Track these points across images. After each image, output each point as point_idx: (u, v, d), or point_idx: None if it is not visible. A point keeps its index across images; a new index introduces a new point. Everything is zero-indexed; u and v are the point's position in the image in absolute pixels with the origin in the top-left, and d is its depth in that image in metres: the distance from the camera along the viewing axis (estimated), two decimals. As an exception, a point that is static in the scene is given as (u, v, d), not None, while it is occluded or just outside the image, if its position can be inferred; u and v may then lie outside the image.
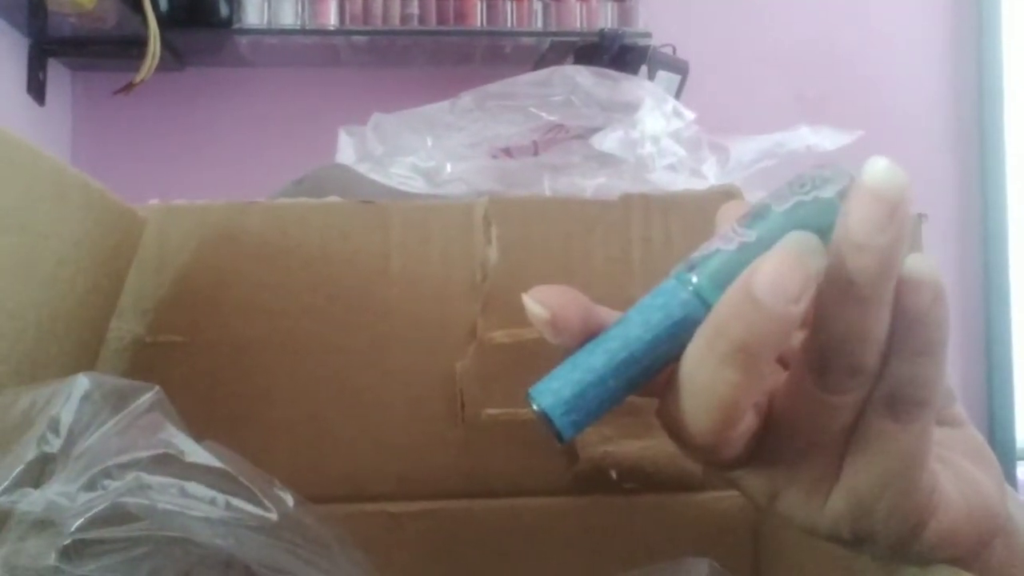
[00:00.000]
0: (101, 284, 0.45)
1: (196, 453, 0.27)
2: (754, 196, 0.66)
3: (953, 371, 1.76)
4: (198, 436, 0.45)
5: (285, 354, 0.46)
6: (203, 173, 1.60)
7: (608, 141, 0.47)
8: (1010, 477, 1.78)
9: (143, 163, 1.61)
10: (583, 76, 0.52)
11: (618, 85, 0.51)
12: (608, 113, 0.50)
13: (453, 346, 0.46)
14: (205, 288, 0.46)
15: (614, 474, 0.44)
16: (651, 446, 0.44)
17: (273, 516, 0.27)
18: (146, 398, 0.28)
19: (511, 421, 0.45)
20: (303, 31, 1.48)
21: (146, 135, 1.62)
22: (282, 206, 0.48)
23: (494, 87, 0.53)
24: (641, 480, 0.45)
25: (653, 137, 0.48)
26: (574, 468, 0.45)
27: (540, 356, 0.45)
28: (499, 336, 0.45)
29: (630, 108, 0.52)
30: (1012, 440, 1.78)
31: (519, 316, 0.46)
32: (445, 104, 0.54)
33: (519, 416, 0.45)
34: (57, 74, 1.58)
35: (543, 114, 0.49)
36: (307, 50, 1.58)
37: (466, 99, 0.53)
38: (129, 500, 0.25)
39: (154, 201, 0.49)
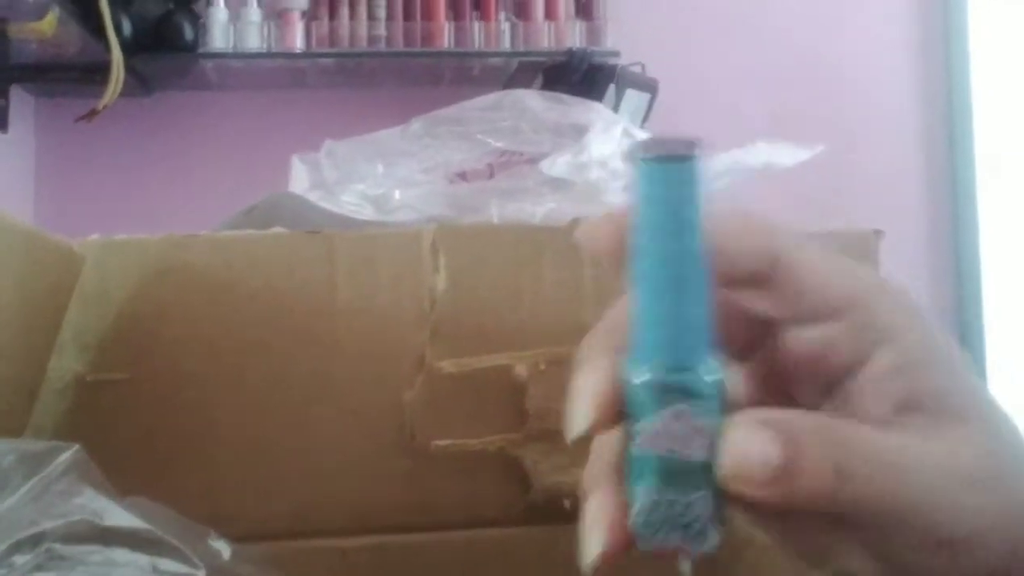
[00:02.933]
0: (37, 324, 0.44)
1: (117, 515, 0.26)
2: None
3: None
4: (139, 477, 0.44)
5: (230, 389, 0.45)
6: (171, 198, 1.58)
7: (556, 166, 0.47)
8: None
9: (109, 189, 1.59)
10: (533, 100, 0.51)
11: (568, 109, 0.50)
12: (558, 138, 0.50)
13: (402, 376, 0.45)
14: (147, 323, 0.45)
15: (567, 503, 0.44)
16: (604, 475, 0.44)
17: (201, 574, 0.26)
18: (63, 459, 0.27)
19: (461, 451, 0.44)
20: (269, 55, 1.48)
21: (112, 161, 1.60)
22: (225, 238, 0.47)
23: (444, 112, 0.53)
24: (595, 509, 0.44)
25: (601, 160, 0.47)
26: (527, 498, 0.44)
27: (489, 385, 0.44)
28: (447, 365, 0.44)
29: (580, 131, 0.51)
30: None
31: (468, 345, 0.46)
32: (396, 130, 0.54)
33: (469, 446, 0.44)
34: (20, 101, 1.57)
35: (490, 141, 0.49)
36: (274, 73, 1.57)
37: (416, 125, 0.52)
38: (40, 576, 0.24)
39: (94, 236, 0.48)
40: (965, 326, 1.85)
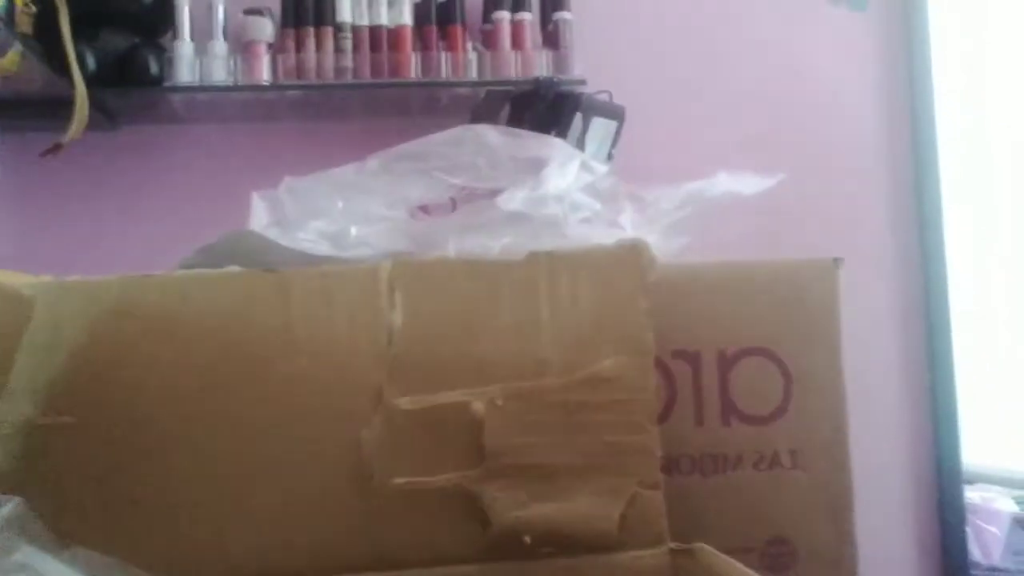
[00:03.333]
0: (-14, 369, 0.43)
1: (57, 572, 0.25)
2: (676, 244, 0.66)
3: (898, 399, 1.77)
4: (93, 523, 0.43)
5: (187, 429, 0.45)
6: (139, 232, 1.57)
7: (514, 200, 0.47)
8: (957, 501, 1.80)
9: (76, 224, 1.58)
10: (492, 135, 0.52)
11: (525, 143, 0.51)
12: (516, 172, 0.50)
13: (359, 414, 0.44)
14: (100, 366, 0.45)
15: (528, 539, 0.43)
16: (564, 508, 0.43)
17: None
18: (1, 514, 0.26)
19: (419, 489, 0.44)
20: (236, 87, 1.47)
21: (78, 195, 1.59)
22: (180, 278, 0.47)
23: (403, 148, 0.53)
24: (556, 544, 0.44)
25: (557, 195, 0.48)
26: (487, 535, 0.44)
27: (447, 422, 0.44)
28: (405, 402, 0.44)
29: (538, 166, 0.51)
30: (958, 465, 1.80)
31: (425, 381, 0.45)
32: (351, 167, 0.54)
33: (427, 484, 0.43)
34: (-15, 137, 1.55)
35: (448, 178, 0.49)
36: (241, 106, 1.56)
37: (373, 162, 0.52)
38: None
39: (46, 277, 0.47)
40: (934, 353, 1.86)
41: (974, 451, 1.82)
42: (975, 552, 1.81)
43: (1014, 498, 1.83)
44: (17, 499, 0.28)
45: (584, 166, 0.52)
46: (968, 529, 1.81)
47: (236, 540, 0.44)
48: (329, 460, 0.44)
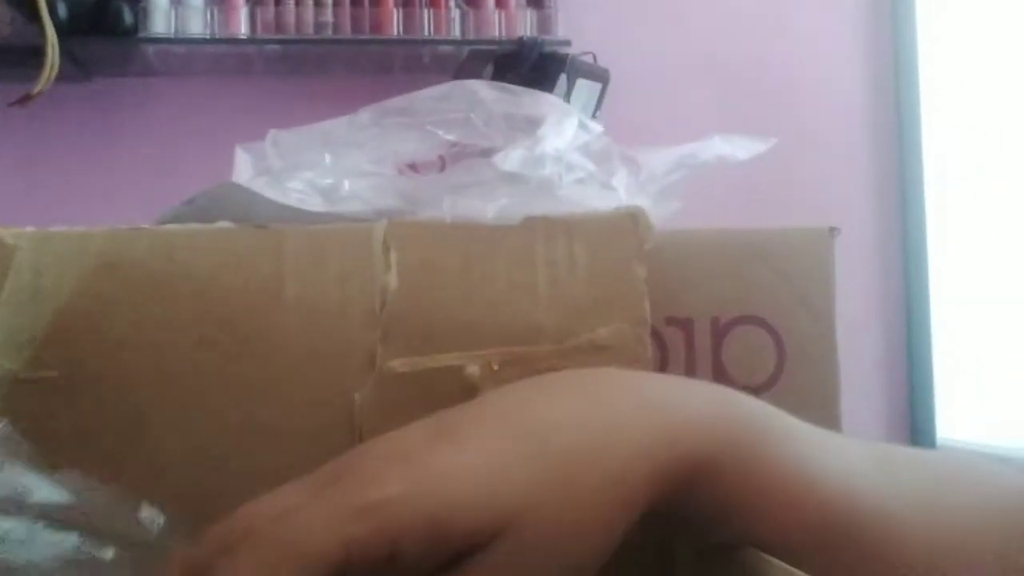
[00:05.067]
0: (-35, 321, 0.42)
1: (44, 490, 0.25)
2: (668, 208, 0.66)
3: (877, 375, 1.79)
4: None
5: (174, 388, 0.44)
6: (110, 186, 1.54)
7: (509, 160, 0.46)
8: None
9: (46, 177, 1.54)
10: (485, 91, 0.50)
11: (520, 100, 0.49)
12: (510, 130, 0.49)
13: (351, 376, 0.44)
14: (86, 320, 0.44)
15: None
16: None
17: (110, 552, 0.25)
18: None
19: (413, 454, 0.43)
20: (212, 40, 1.44)
21: (49, 148, 1.55)
22: (169, 232, 0.46)
23: (393, 102, 0.52)
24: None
25: (555, 155, 0.47)
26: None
27: (441, 386, 0.43)
28: (399, 365, 0.43)
29: (533, 124, 0.50)
30: (933, 441, 1.83)
31: (420, 344, 0.45)
32: (343, 120, 0.52)
33: (421, 448, 0.43)
34: (-48, 85, 1.51)
35: (440, 132, 0.47)
36: (218, 59, 1.53)
37: (364, 115, 0.51)
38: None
39: (29, 228, 0.46)
40: (913, 321, 1.88)
41: (948, 426, 1.85)
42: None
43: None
44: (4, 420, 0.27)
45: (581, 125, 0.51)
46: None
47: (224, 502, 0.44)
48: (320, 422, 0.43)
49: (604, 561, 0.27)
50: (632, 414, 0.29)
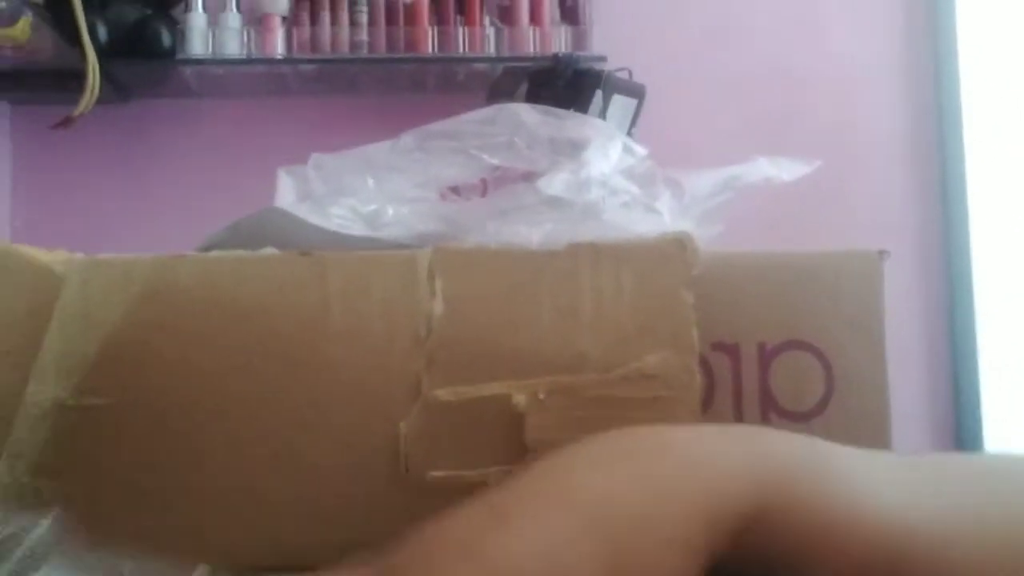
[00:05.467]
0: (12, 346, 0.42)
1: None
2: (711, 231, 0.65)
3: (923, 400, 1.75)
4: (122, 508, 0.42)
5: (218, 415, 0.44)
6: (151, 207, 1.56)
7: (555, 184, 0.45)
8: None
9: (88, 199, 1.57)
10: (528, 114, 0.50)
11: (564, 123, 0.49)
12: (554, 154, 0.48)
13: (396, 404, 0.43)
14: (132, 347, 0.44)
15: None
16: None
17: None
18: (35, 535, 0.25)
19: (458, 483, 0.42)
20: (249, 61, 1.45)
21: (90, 169, 1.57)
22: (213, 259, 0.46)
23: (436, 126, 0.51)
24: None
25: (601, 179, 0.46)
26: (526, 530, 0.43)
27: (487, 415, 0.43)
28: (444, 394, 0.43)
29: (577, 147, 0.50)
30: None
31: (465, 372, 0.44)
32: (386, 144, 0.52)
33: (466, 478, 0.42)
34: (-5, 108, 1.54)
35: (485, 156, 0.47)
36: (255, 80, 1.55)
37: (407, 139, 0.51)
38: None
39: (79, 255, 0.46)
40: (958, 344, 1.85)
41: (996, 445, 1.81)
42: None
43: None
44: (54, 514, 0.27)
45: (626, 148, 0.50)
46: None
47: (267, 531, 0.43)
48: (365, 451, 0.43)
49: None
50: (678, 475, 0.29)
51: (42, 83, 1.41)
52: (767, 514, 0.28)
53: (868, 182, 1.82)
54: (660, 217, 0.56)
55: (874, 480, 0.31)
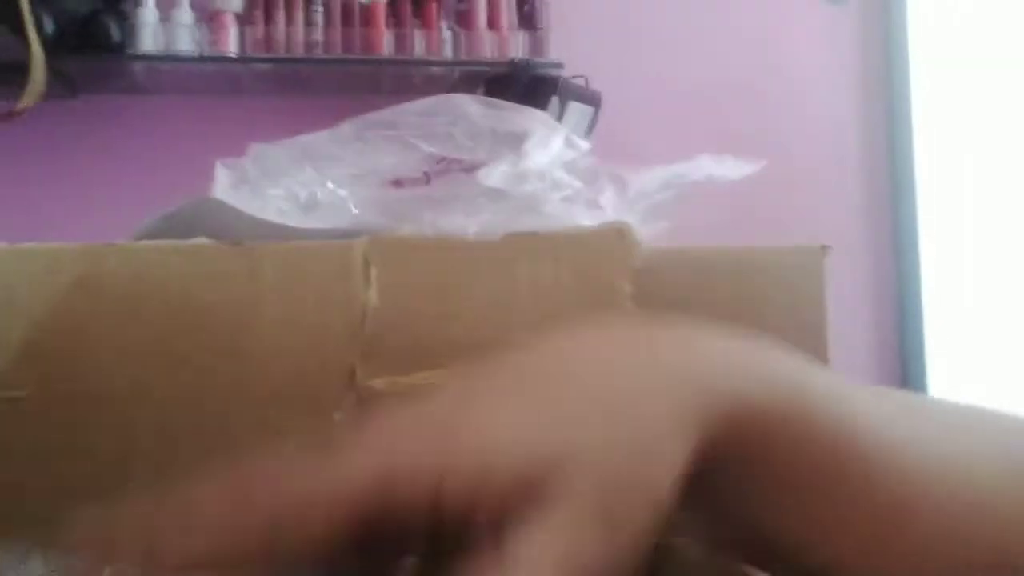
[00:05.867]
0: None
1: None
2: (656, 228, 0.65)
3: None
4: (46, 502, 0.41)
5: (148, 408, 0.43)
6: (98, 204, 1.53)
7: (494, 176, 0.45)
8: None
9: (33, 194, 1.53)
10: (471, 105, 0.50)
11: (506, 115, 0.48)
12: (495, 145, 0.48)
13: (331, 394, 0.42)
14: (56, 338, 0.42)
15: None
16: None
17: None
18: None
19: (392, 476, 0.42)
20: (201, 58, 1.43)
21: (35, 165, 1.54)
22: (143, 248, 0.44)
23: (376, 116, 0.51)
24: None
25: (540, 172, 0.46)
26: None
27: (422, 405, 0.42)
28: (379, 383, 0.42)
29: (520, 139, 0.49)
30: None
31: (400, 362, 0.43)
32: (325, 133, 0.51)
33: (400, 471, 0.42)
34: (-62, 101, 1.50)
35: (423, 146, 0.46)
36: (206, 78, 1.53)
37: (347, 128, 0.50)
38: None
39: (1, 244, 0.45)
40: (906, 340, 1.88)
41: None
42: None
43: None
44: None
45: (568, 142, 0.50)
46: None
47: (196, 525, 0.42)
48: (299, 441, 0.42)
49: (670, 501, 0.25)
50: (680, 363, 0.27)
51: (-14, 76, 1.37)
52: (766, 415, 0.27)
53: (820, 187, 1.84)
54: (602, 212, 0.56)
55: (866, 401, 0.31)
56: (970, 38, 1.91)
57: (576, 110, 1.57)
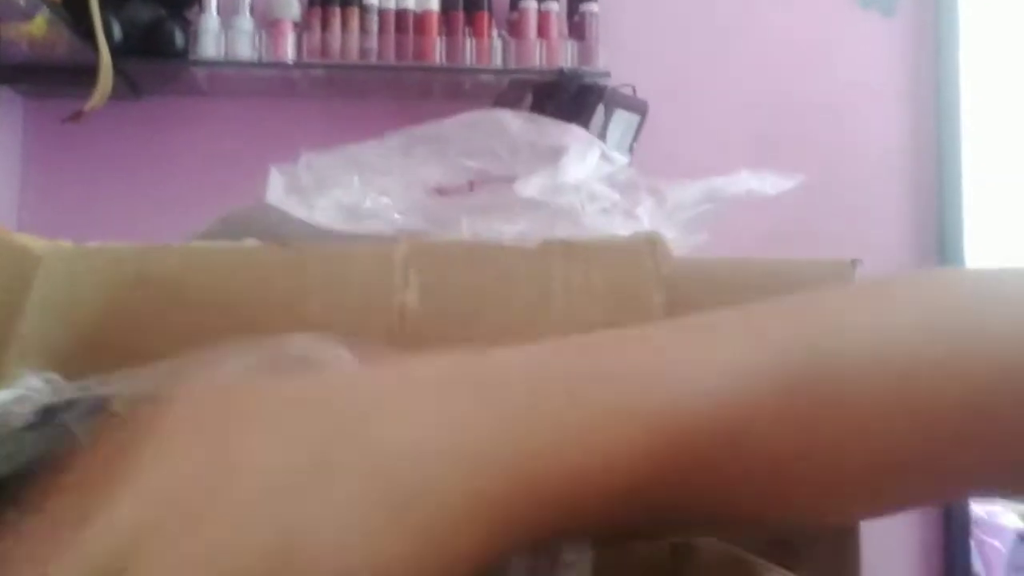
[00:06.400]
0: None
1: None
2: (694, 240, 0.66)
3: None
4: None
5: (197, 400, 0.45)
6: (157, 203, 1.58)
7: (530, 187, 0.47)
8: (961, 514, 1.78)
9: (95, 192, 1.59)
10: (511, 120, 0.52)
11: (544, 130, 0.50)
12: (534, 159, 0.50)
13: (369, 393, 0.44)
14: (114, 333, 0.45)
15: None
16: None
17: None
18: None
19: (425, 472, 0.44)
20: (260, 64, 1.48)
21: (99, 164, 1.60)
22: (197, 249, 0.47)
23: (422, 129, 0.53)
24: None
25: (575, 184, 0.47)
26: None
27: (455, 405, 0.44)
28: (415, 383, 0.44)
29: (558, 154, 0.51)
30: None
31: (436, 363, 0.45)
32: (372, 143, 0.53)
33: (433, 467, 0.43)
34: (8, 101, 1.56)
35: (465, 160, 0.48)
36: (264, 82, 1.57)
37: (393, 140, 0.52)
38: None
39: (66, 242, 0.48)
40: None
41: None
42: (977, 565, 1.81)
43: (1018, 513, 1.82)
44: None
45: (604, 156, 0.52)
46: (971, 542, 1.81)
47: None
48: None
49: None
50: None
51: (56, 78, 1.43)
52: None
53: (866, 204, 1.83)
54: (639, 223, 0.57)
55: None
56: (1022, 51, 1.88)
57: (622, 118, 1.57)
